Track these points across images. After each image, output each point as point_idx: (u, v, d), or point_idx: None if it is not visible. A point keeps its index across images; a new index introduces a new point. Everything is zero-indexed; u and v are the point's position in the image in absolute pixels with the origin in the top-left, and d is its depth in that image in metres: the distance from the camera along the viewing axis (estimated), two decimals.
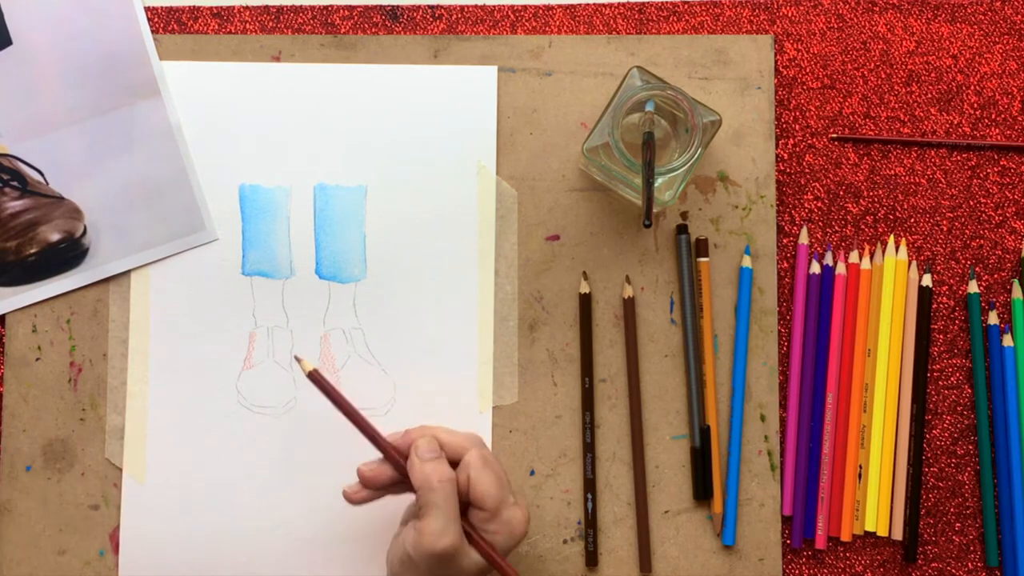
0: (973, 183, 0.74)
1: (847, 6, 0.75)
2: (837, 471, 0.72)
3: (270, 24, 0.74)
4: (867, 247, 0.73)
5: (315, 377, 0.65)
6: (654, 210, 0.72)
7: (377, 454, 0.65)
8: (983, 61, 0.74)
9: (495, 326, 0.72)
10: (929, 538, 0.72)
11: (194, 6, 0.74)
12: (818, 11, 0.75)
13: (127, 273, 0.73)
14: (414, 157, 0.73)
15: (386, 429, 0.69)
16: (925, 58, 0.74)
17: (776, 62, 0.74)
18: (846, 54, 0.74)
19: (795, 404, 0.72)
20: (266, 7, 0.75)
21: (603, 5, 0.74)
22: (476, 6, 0.74)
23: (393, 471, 0.64)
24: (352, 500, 0.65)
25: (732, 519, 0.71)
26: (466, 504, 0.63)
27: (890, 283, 0.72)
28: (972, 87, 0.74)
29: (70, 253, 0.72)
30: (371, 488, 0.65)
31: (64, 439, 0.72)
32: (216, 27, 0.74)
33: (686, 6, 0.74)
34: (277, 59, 0.74)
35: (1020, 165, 0.74)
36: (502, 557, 0.62)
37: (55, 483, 0.72)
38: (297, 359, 0.67)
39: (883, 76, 0.74)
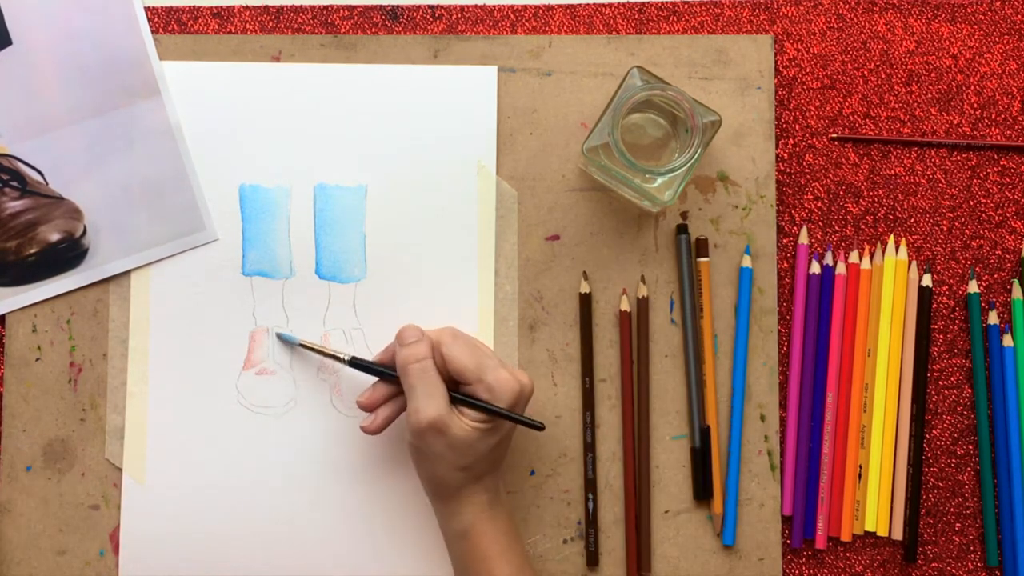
0: (973, 183, 0.74)
1: (847, 6, 0.75)
2: (837, 471, 0.72)
3: (270, 24, 0.75)
4: (867, 247, 0.73)
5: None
6: (654, 210, 0.73)
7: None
8: (983, 61, 0.74)
9: (495, 326, 0.72)
10: (929, 538, 0.72)
11: (194, 6, 0.74)
12: (818, 11, 0.75)
13: (127, 273, 0.73)
14: (414, 157, 0.73)
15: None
16: (925, 58, 0.74)
17: (776, 62, 0.74)
18: (846, 54, 0.74)
19: (795, 404, 0.72)
20: (266, 7, 0.75)
21: (603, 5, 0.74)
22: (476, 6, 0.74)
23: (386, 388, 0.68)
24: (369, 430, 0.67)
25: (732, 519, 0.71)
26: (455, 382, 0.66)
27: (890, 283, 0.72)
28: (972, 87, 0.74)
29: (70, 253, 0.72)
30: (371, 409, 0.68)
31: (64, 439, 0.72)
32: (216, 27, 0.74)
33: (686, 6, 0.74)
34: (277, 59, 0.74)
35: (1020, 165, 0.74)
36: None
37: (55, 483, 0.72)
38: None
39: (883, 76, 0.74)
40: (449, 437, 0.63)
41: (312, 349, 0.70)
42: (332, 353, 0.69)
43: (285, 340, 0.71)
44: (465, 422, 0.63)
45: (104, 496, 0.72)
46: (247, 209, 0.73)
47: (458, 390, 0.65)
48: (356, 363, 0.69)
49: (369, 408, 0.68)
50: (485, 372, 0.64)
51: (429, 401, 0.63)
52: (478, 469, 0.64)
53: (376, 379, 0.69)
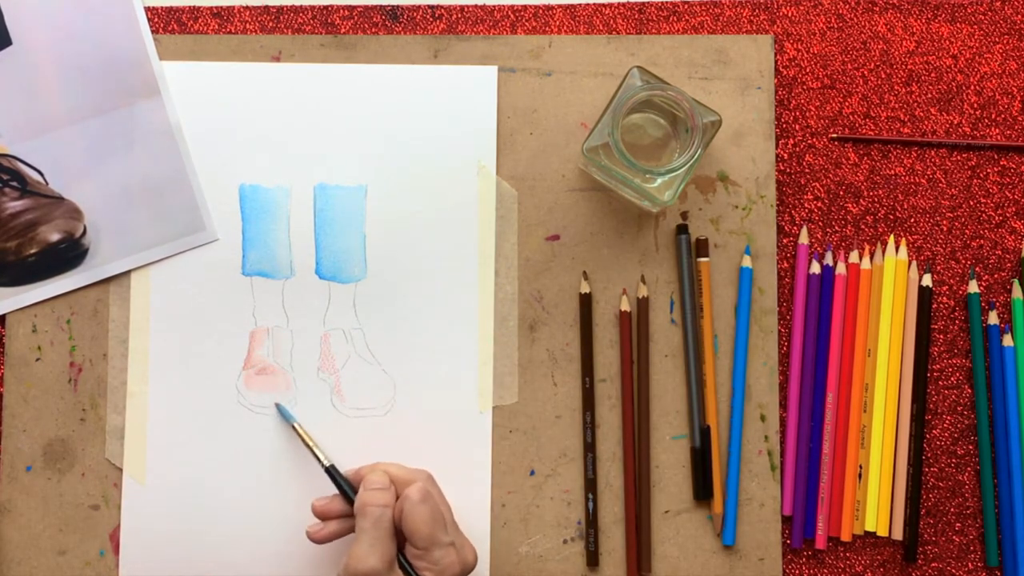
0: (973, 183, 0.74)
1: (847, 6, 0.75)
2: (837, 471, 0.72)
3: (270, 24, 0.75)
4: (867, 247, 0.73)
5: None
6: (654, 210, 0.73)
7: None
8: (983, 61, 0.74)
9: (495, 326, 0.72)
10: (929, 538, 0.72)
11: (194, 6, 0.74)
12: (818, 11, 0.75)
13: (127, 273, 0.73)
14: (414, 157, 0.73)
15: (386, 429, 0.70)
16: (925, 58, 0.74)
17: (776, 62, 0.74)
18: (846, 54, 0.74)
19: (795, 404, 0.72)
20: (266, 7, 0.75)
21: (603, 5, 0.74)
22: (476, 6, 0.74)
23: (343, 504, 0.67)
24: (315, 539, 0.67)
25: (732, 519, 0.71)
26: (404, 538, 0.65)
27: (890, 283, 0.72)
28: (972, 87, 0.74)
29: (70, 253, 0.72)
30: (324, 519, 0.67)
31: (64, 439, 0.72)
32: (216, 27, 0.74)
33: (686, 6, 0.74)
34: (277, 59, 0.74)
35: (1020, 165, 0.74)
36: None
37: (55, 483, 0.72)
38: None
39: (883, 76, 0.74)
40: None
41: (302, 438, 0.70)
42: (316, 453, 0.69)
43: (282, 414, 0.71)
44: None
45: (104, 496, 0.72)
46: (247, 209, 0.73)
47: (405, 549, 0.65)
48: (331, 474, 0.68)
49: (322, 517, 0.67)
50: (435, 546, 0.63)
51: (372, 551, 0.62)
52: None
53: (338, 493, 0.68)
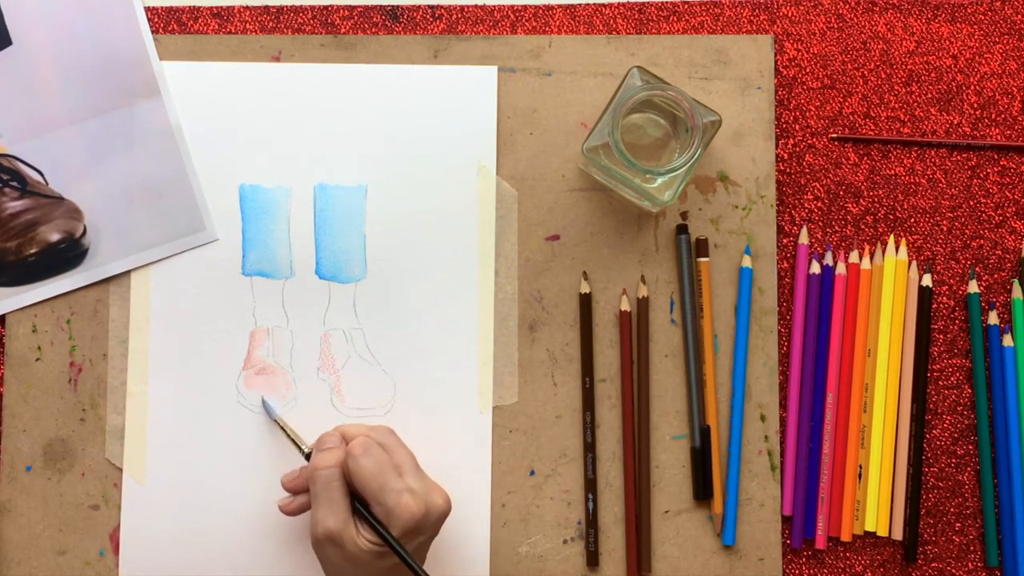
0: (973, 183, 0.74)
1: (847, 6, 0.75)
2: (837, 471, 0.72)
3: (270, 24, 0.75)
4: (867, 247, 0.73)
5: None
6: (654, 210, 0.73)
7: None
8: (983, 61, 0.74)
9: (495, 326, 0.72)
10: (929, 538, 0.72)
11: (194, 6, 0.75)
12: (818, 11, 0.75)
13: (127, 273, 0.73)
14: (414, 157, 0.73)
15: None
16: (925, 58, 0.74)
17: (776, 62, 0.74)
18: (846, 54, 0.74)
19: (795, 404, 0.72)
20: (266, 7, 0.75)
21: (603, 5, 0.74)
22: (476, 6, 0.74)
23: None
24: (285, 511, 0.68)
25: (732, 519, 0.71)
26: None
27: (890, 283, 0.72)
28: (972, 87, 0.74)
29: (70, 253, 0.72)
30: (294, 492, 0.68)
31: (64, 439, 0.72)
32: (216, 27, 0.74)
33: (686, 6, 0.74)
34: (277, 59, 0.74)
35: (1020, 165, 0.74)
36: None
37: (55, 483, 0.72)
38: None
39: (883, 76, 0.74)
40: (345, 551, 0.62)
41: (284, 431, 0.70)
42: (297, 443, 0.69)
43: (267, 411, 0.71)
44: (361, 539, 0.63)
45: (104, 496, 0.72)
46: (247, 209, 0.73)
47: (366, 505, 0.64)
48: (309, 457, 0.68)
49: (291, 491, 0.68)
50: (385, 495, 0.63)
51: (327, 513, 0.63)
52: None
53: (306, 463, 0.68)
